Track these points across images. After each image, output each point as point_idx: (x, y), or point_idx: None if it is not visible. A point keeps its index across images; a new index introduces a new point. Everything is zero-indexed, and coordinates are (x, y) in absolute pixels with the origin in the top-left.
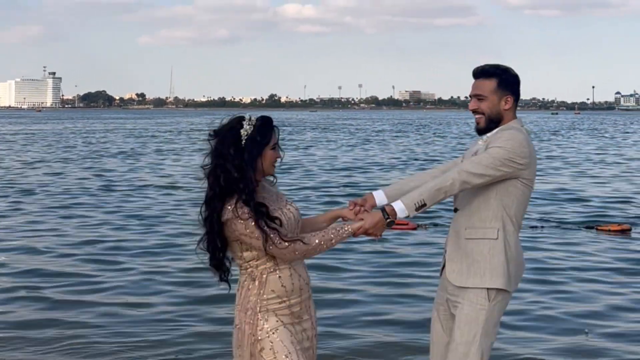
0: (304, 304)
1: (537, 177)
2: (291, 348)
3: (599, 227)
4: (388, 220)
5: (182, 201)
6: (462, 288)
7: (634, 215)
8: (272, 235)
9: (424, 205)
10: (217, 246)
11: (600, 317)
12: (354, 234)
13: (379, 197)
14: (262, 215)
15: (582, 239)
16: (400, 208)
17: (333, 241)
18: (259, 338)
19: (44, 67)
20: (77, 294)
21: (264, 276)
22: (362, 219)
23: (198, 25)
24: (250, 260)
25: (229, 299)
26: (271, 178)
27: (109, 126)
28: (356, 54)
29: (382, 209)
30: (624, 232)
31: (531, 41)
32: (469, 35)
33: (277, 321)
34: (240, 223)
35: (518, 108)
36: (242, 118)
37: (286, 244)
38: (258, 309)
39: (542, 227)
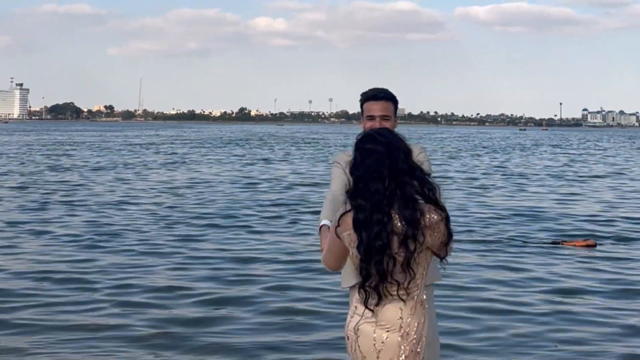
0: None
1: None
2: None
3: (565, 243)
4: None
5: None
6: None
7: (598, 231)
8: None
9: None
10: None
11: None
12: None
13: None
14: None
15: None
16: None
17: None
18: None
19: (11, 78)
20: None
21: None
22: None
23: (168, 37)
24: (421, 277)
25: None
26: None
27: (76, 139)
28: (327, 68)
29: None
30: (589, 247)
31: (500, 57)
32: (439, 51)
33: None
34: (442, 224)
35: (486, 123)
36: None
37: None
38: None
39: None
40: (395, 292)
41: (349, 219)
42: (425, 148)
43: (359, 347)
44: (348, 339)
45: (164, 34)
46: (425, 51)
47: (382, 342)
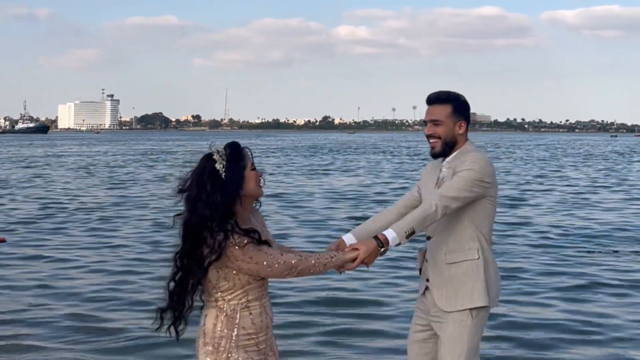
0: (269, 342)
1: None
2: None
3: None
4: (382, 249)
5: None
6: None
7: None
8: (272, 254)
9: (413, 232)
10: (195, 283)
11: None
12: (352, 263)
13: (348, 239)
14: (255, 240)
15: None
16: (392, 237)
17: (327, 265)
18: None
19: (102, 89)
20: None
21: (236, 312)
22: (356, 249)
23: (253, 47)
24: (224, 291)
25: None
26: (256, 204)
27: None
28: (410, 76)
29: (376, 237)
30: None
31: (589, 62)
32: (525, 56)
33: (247, 358)
34: (237, 250)
35: (576, 130)
36: (210, 155)
37: (287, 257)
38: (227, 344)
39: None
40: None
41: None
42: (477, 160)
43: None
44: None
45: (248, 44)
46: (511, 56)
47: None
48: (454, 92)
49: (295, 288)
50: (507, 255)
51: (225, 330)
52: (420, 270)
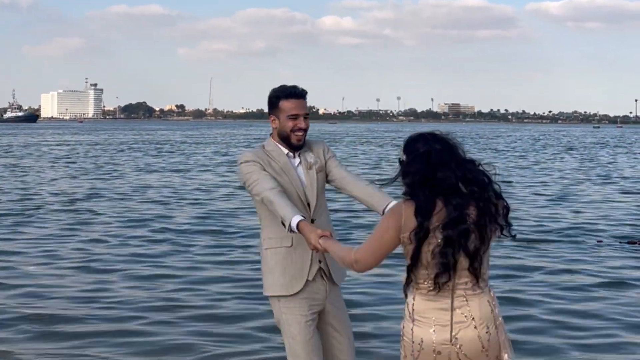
0: None
1: None
2: None
3: None
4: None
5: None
6: (336, 286)
7: None
8: None
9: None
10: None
11: None
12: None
13: None
14: None
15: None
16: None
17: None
18: None
19: (86, 78)
20: None
21: None
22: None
23: (237, 37)
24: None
25: None
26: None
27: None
28: (395, 66)
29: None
30: None
31: (573, 53)
32: (510, 47)
33: None
34: None
35: (559, 121)
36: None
37: None
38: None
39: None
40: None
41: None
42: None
43: (465, 356)
44: (440, 354)
45: (232, 34)
46: (495, 47)
47: (488, 340)
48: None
49: None
50: None
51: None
52: None
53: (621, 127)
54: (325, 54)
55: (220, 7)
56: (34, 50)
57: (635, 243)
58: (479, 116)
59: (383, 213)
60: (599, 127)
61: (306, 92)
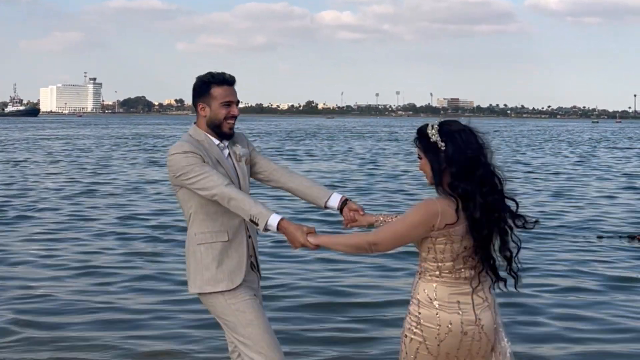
0: None
1: None
2: None
3: None
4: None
5: None
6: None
7: None
8: None
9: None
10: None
11: None
12: None
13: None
14: None
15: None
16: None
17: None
18: None
19: (85, 72)
20: None
21: None
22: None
23: (236, 31)
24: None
25: None
26: None
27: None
28: (394, 61)
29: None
30: None
31: (572, 48)
32: (508, 42)
33: None
34: None
35: (558, 116)
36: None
37: None
38: None
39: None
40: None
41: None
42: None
43: (486, 334)
44: (466, 334)
45: (231, 28)
46: (494, 42)
47: (497, 320)
48: None
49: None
50: None
51: None
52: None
53: (620, 122)
54: (324, 49)
55: (219, 2)
56: (33, 44)
57: (635, 238)
58: (478, 111)
59: (325, 206)
60: (597, 122)
61: (235, 79)
